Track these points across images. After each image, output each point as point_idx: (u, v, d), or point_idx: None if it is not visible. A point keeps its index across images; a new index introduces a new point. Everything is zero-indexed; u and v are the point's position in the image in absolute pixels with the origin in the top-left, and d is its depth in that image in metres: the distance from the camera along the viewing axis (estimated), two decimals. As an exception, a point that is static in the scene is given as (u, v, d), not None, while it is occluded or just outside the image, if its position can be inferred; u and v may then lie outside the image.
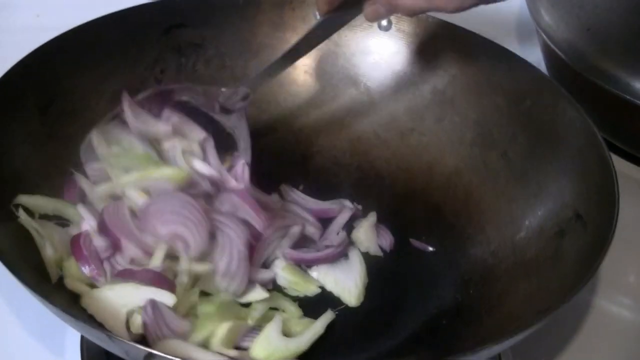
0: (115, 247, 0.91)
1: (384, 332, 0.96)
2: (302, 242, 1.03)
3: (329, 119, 1.16)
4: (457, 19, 1.11)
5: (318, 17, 0.94)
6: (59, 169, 0.99)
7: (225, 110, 1.00)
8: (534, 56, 1.24)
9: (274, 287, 0.98)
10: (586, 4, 1.21)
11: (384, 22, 1.15)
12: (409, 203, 1.10)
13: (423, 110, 1.13)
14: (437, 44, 1.14)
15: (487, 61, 1.10)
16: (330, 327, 0.94)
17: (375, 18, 0.93)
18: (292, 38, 1.16)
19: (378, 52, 1.16)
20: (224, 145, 1.01)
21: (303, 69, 1.17)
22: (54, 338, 0.95)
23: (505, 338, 0.77)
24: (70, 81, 1.03)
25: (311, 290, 0.98)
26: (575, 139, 1.00)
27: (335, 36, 1.16)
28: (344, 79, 1.17)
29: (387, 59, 1.16)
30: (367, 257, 1.04)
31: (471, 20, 1.18)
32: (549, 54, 1.22)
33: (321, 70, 1.17)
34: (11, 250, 0.87)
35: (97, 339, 0.82)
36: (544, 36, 1.20)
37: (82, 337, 0.93)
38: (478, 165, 1.08)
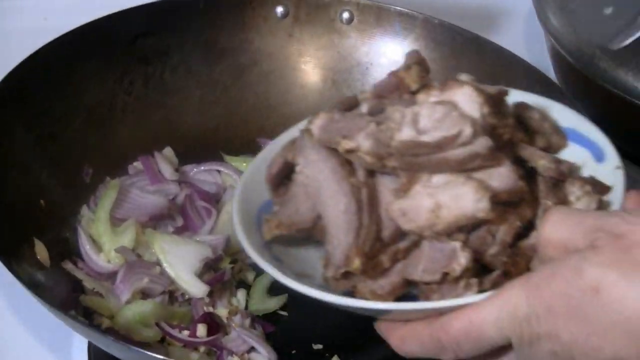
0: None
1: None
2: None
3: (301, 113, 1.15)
4: (461, 23, 1.12)
5: None
6: (47, 196, 0.97)
7: None
8: (543, 60, 1.25)
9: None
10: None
11: (346, 15, 1.16)
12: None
13: (394, 100, 1.14)
14: (401, 34, 1.15)
15: (455, 46, 1.12)
16: (333, 332, 0.95)
17: None
18: (255, 38, 1.16)
19: (341, 45, 1.17)
20: None
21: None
22: (61, 343, 0.95)
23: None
24: (47, 101, 1.01)
25: None
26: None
27: (297, 34, 1.17)
28: (311, 74, 1.17)
29: (351, 51, 1.17)
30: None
31: (477, 24, 1.20)
32: (557, 58, 1.22)
33: (288, 69, 1.17)
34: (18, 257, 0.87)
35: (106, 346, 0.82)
36: (552, 40, 1.20)
37: (90, 343, 0.93)
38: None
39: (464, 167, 0.71)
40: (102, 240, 0.96)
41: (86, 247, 0.96)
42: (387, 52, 1.15)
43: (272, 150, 0.82)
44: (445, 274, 0.69)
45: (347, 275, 0.72)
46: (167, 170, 1.06)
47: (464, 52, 1.12)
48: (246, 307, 0.97)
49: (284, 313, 0.97)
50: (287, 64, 1.17)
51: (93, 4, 1.11)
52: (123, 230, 0.97)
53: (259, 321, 0.95)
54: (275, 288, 0.98)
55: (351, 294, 0.73)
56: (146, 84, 1.10)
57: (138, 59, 1.10)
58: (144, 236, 0.96)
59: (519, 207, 0.72)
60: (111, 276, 0.94)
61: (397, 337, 0.70)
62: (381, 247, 0.72)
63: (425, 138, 0.71)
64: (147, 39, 1.10)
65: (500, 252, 0.71)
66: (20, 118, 0.98)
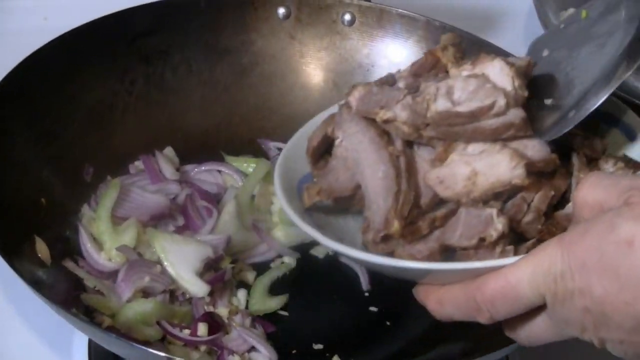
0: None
1: (391, 335, 0.96)
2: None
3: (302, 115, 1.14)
4: (462, 24, 1.12)
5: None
6: (48, 194, 0.97)
7: None
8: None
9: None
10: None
11: (348, 17, 1.16)
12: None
13: (395, 102, 1.14)
14: (402, 36, 1.15)
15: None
16: (334, 332, 0.96)
17: None
18: (256, 39, 1.16)
19: (343, 47, 1.17)
20: None
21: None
22: (61, 340, 0.95)
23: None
24: (47, 101, 1.01)
25: None
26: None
27: (299, 35, 1.17)
28: (313, 76, 1.17)
29: (352, 53, 1.17)
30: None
31: (478, 25, 1.19)
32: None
33: (289, 70, 1.17)
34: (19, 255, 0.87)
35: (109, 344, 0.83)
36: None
37: (90, 341, 0.93)
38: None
39: (499, 137, 0.73)
40: (103, 239, 0.96)
41: (87, 245, 0.95)
42: (388, 54, 1.15)
43: (312, 124, 0.86)
44: (482, 240, 0.70)
45: (386, 238, 0.74)
46: (168, 170, 1.06)
47: (466, 54, 1.11)
48: (247, 307, 0.96)
49: (285, 313, 0.96)
50: (289, 65, 1.17)
51: (93, 4, 1.10)
52: (124, 229, 0.96)
53: (259, 321, 0.95)
54: (276, 288, 0.98)
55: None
56: (147, 83, 1.10)
57: (139, 58, 1.10)
58: (145, 235, 0.96)
59: (553, 178, 0.74)
60: (112, 275, 0.94)
61: (434, 300, 0.71)
62: (419, 214, 0.74)
63: (460, 108, 0.73)
64: (148, 38, 1.10)
65: (535, 220, 0.73)
66: (21, 117, 0.98)
